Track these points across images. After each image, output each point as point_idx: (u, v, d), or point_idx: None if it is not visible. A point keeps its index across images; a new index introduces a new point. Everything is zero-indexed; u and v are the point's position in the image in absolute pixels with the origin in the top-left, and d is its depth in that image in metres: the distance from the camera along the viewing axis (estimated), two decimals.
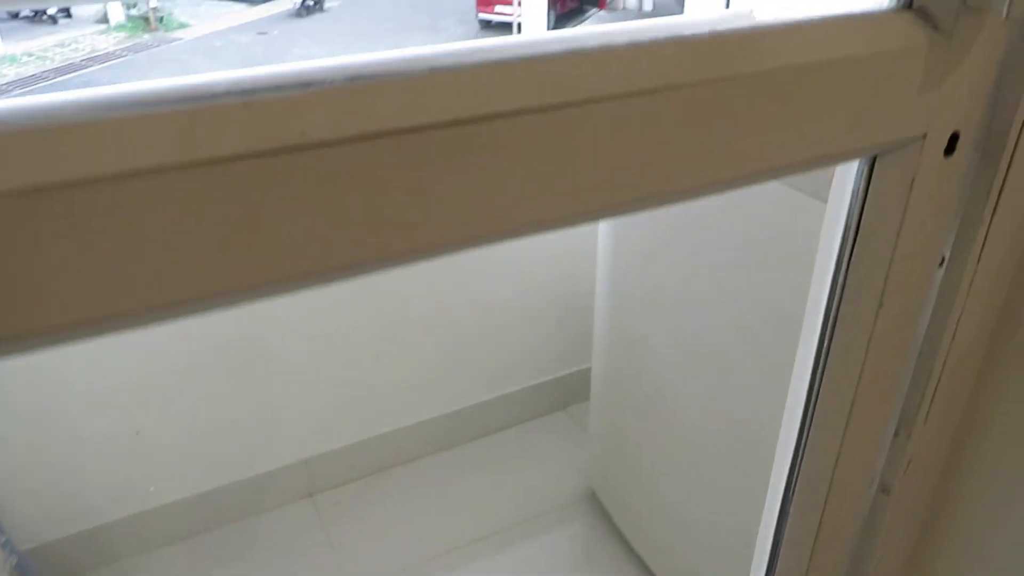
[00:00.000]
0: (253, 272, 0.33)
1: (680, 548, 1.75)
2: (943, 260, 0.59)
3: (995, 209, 0.56)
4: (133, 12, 14.34)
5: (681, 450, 1.68)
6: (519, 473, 2.18)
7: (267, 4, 14.77)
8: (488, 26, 13.36)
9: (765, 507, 0.75)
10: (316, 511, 2.06)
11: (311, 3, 14.56)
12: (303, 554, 1.94)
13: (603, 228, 1.81)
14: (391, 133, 0.33)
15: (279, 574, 1.89)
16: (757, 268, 1.39)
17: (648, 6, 14.49)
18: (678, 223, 1.56)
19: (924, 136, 0.50)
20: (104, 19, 13.89)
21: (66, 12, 13.91)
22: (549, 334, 2.28)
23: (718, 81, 0.41)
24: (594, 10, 14.29)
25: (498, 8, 13.01)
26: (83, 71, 11.71)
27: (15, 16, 13.36)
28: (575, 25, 13.41)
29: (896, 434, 0.65)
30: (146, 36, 13.43)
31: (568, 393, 2.36)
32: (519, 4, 11.75)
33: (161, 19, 13.86)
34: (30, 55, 12.31)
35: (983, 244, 0.58)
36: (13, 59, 12.08)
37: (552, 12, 12.64)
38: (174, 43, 13.01)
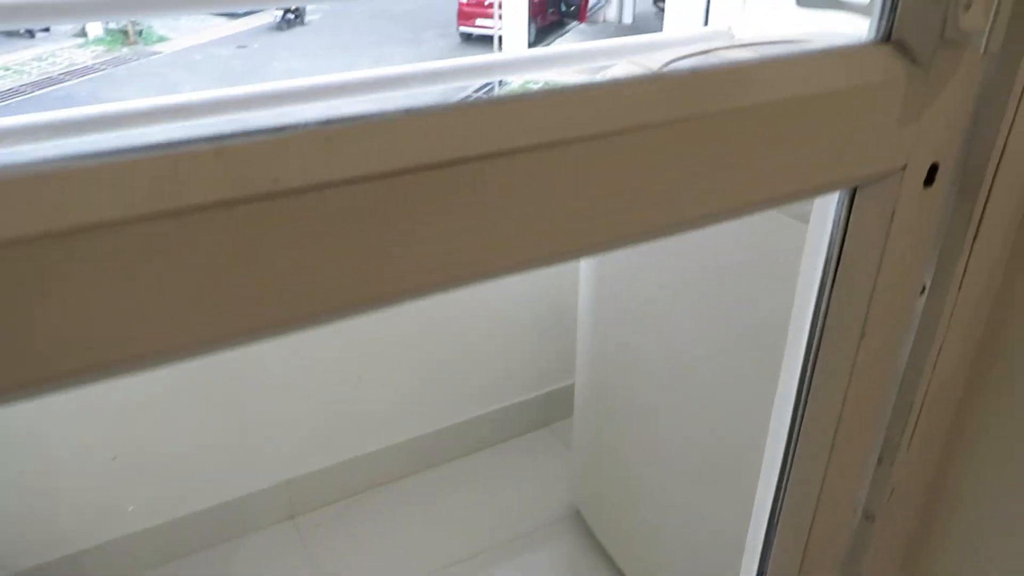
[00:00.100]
0: (227, 322, 0.32)
1: (665, 566, 1.74)
2: (924, 288, 0.59)
3: (975, 238, 0.56)
4: (112, 25, 14.25)
5: (665, 467, 1.68)
6: (503, 492, 2.17)
7: (247, 17, 14.73)
8: (469, 39, 13.40)
9: (749, 534, 0.74)
10: (298, 533, 2.03)
11: (292, 16, 14.53)
12: None
13: None
14: (367, 179, 0.33)
15: None
16: (739, 285, 1.39)
17: (628, 19, 14.59)
18: (661, 240, 1.56)
19: (904, 168, 0.50)
20: (82, 32, 13.79)
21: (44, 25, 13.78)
22: (531, 351, 2.27)
23: (698, 119, 0.40)
24: (575, 23, 14.37)
25: (479, 21, 13.05)
26: (61, 85, 11.61)
27: None
28: (556, 39, 13.48)
29: (879, 461, 0.65)
30: (125, 50, 13.35)
31: (551, 410, 2.35)
32: (500, 18, 11.80)
33: (140, 32, 13.78)
34: (7, 69, 12.19)
35: (964, 273, 0.58)
36: None
37: (533, 25, 12.70)
38: (153, 56, 12.93)
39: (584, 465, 2.01)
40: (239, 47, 13.37)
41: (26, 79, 11.82)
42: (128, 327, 0.30)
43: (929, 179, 0.52)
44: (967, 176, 0.54)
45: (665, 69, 1.36)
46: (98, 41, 13.59)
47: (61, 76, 12.00)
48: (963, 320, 0.60)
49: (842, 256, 0.54)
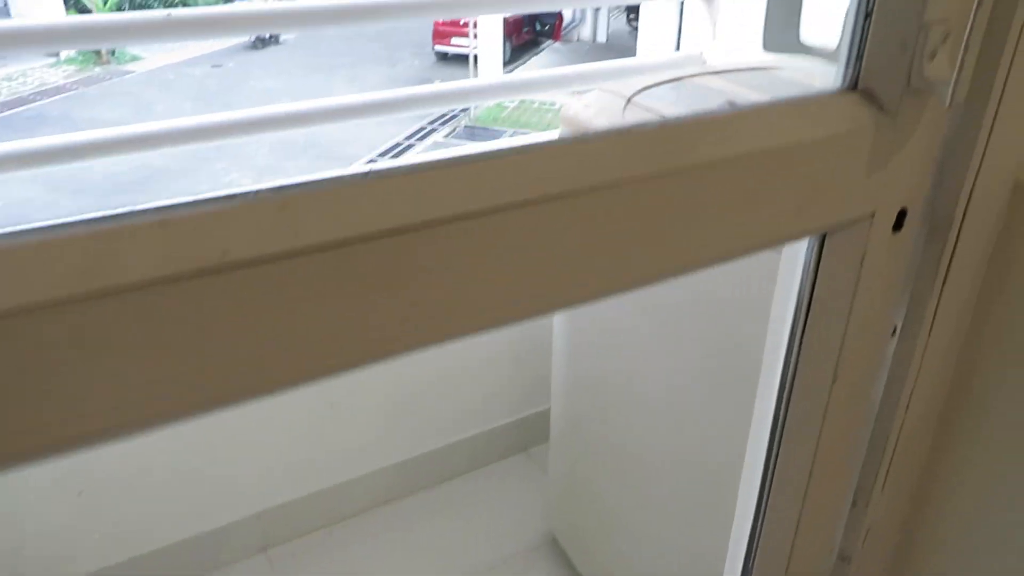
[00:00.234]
0: (173, 399, 0.31)
1: None
2: (895, 330, 0.59)
3: (945, 280, 0.56)
4: None
5: (642, 496, 1.66)
6: (479, 519, 2.14)
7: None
8: (444, 58, 13.43)
9: (725, 574, 0.73)
10: (271, 566, 1.99)
11: (266, 36, 14.49)
12: None
13: None
14: (324, 247, 0.32)
15: None
16: (714, 312, 1.39)
17: (602, 38, 14.71)
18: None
19: (873, 214, 0.50)
20: (54, 52, 13.64)
21: None
22: (507, 375, 2.26)
23: (665, 175, 0.40)
24: (549, 42, 14.46)
25: (454, 40, 13.09)
26: (32, 104, 11.46)
27: None
28: (530, 57, 13.56)
29: (854, 503, 0.65)
30: (97, 69, 13.22)
31: (528, 435, 2.33)
32: (475, 37, 11.84)
33: (112, 52, 13.66)
34: None
35: (935, 314, 0.57)
36: None
37: (508, 44, 12.77)
38: (126, 76, 12.82)
39: (560, 492, 2.00)
40: (213, 66, 13.30)
41: None
42: (66, 409, 0.29)
43: (898, 224, 0.52)
44: (936, 219, 0.54)
45: (637, 97, 1.36)
46: (70, 61, 13.45)
47: (32, 96, 11.85)
48: (934, 361, 0.60)
49: (812, 301, 0.54)
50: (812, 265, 0.53)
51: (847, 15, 0.47)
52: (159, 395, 0.30)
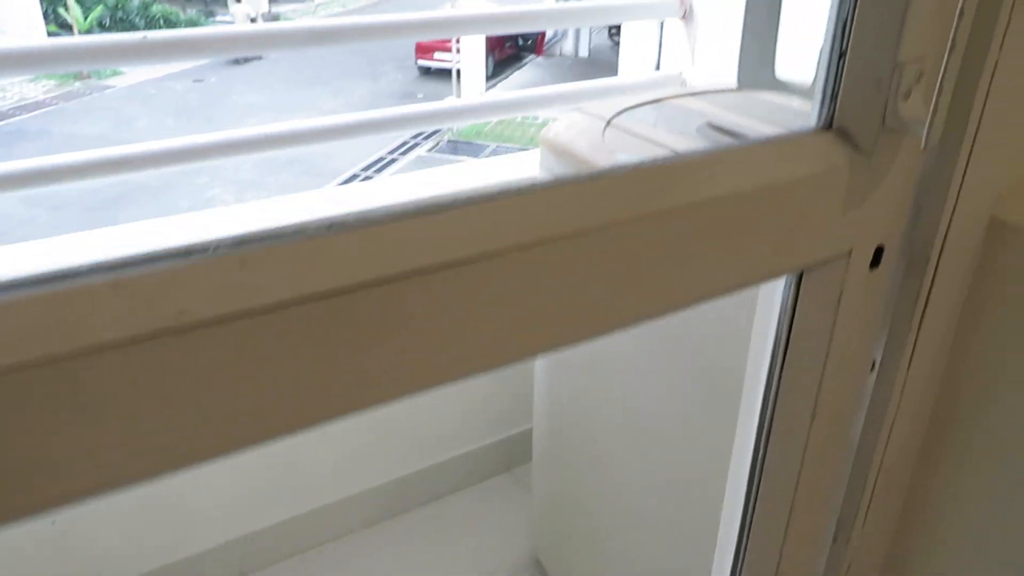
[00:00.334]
0: (131, 463, 0.30)
1: None
2: (874, 365, 0.58)
3: (923, 315, 0.56)
4: None
5: (625, 516, 1.65)
6: (462, 541, 2.12)
7: None
8: (427, 73, 13.45)
9: None
10: None
11: None
12: None
13: None
14: (286, 304, 0.31)
15: None
16: (696, 331, 1.39)
17: (584, 52, 14.79)
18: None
19: (850, 252, 0.50)
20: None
21: None
22: (489, 395, 2.24)
23: (642, 219, 0.39)
24: (531, 56, 14.52)
25: (437, 55, 13.12)
26: (11, 120, 11.36)
27: None
28: (513, 72, 13.61)
29: (835, 538, 0.64)
30: (77, 84, 13.12)
31: (512, 455, 2.32)
32: (458, 51, 11.87)
33: None
34: None
35: (914, 348, 0.57)
36: None
37: (490, 59, 12.80)
38: (107, 91, 12.73)
39: (543, 513, 1.98)
40: (195, 81, 13.24)
41: None
42: (24, 475, 0.27)
43: (875, 261, 0.52)
44: (913, 255, 0.53)
45: (617, 119, 1.36)
46: (49, 75, 13.34)
47: (11, 111, 11.75)
48: (914, 395, 0.59)
49: (791, 339, 0.53)
50: (790, 303, 0.52)
51: (821, 53, 0.46)
52: (117, 458, 0.29)
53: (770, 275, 0.47)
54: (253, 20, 14.74)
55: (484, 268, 0.35)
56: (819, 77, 0.47)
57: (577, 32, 14.73)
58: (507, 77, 13.55)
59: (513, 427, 2.31)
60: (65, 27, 14.65)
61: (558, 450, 1.87)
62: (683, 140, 1.25)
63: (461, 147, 10.08)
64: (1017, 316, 0.56)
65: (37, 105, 12.01)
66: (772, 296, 0.54)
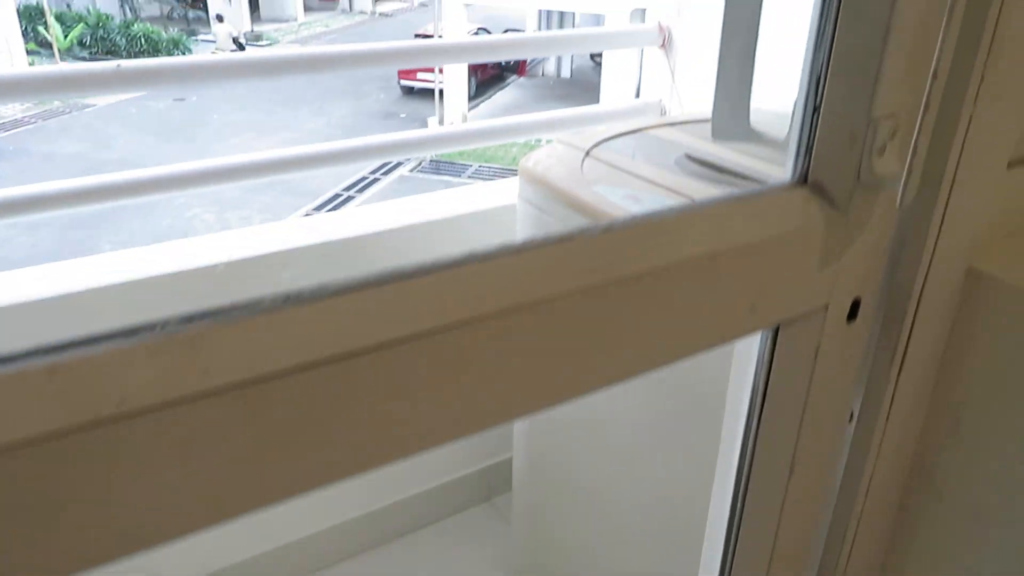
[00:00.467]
0: (69, 555, 0.28)
1: None
2: (853, 415, 0.57)
3: (902, 365, 0.55)
4: None
5: (606, 542, 1.63)
6: (441, 573, 2.09)
7: None
8: (410, 92, 13.48)
9: None
10: None
11: None
12: None
13: None
14: (238, 387, 0.29)
15: None
16: None
17: (566, 73, 14.89)
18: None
19: (826, 306, 0.49)
20: None
21: None
22: None
23: (613, 284, 0.38)
24: (514, 77, 14.59)
25: (420, 75, 13.14)
26: None
27: None
28: (496, 92, 13.67)
29: None
30: (56, 102, 13.02)
31: (491, 484, 2.29)
32: (440, 72, 11.91)
33: None
34: None
35: (892, 399, 0.56)
36: None
37: (473, 80, 12.85)
38: (87, 109, 12.64)
39: (523, 543, 1.96)
40: (176, 100, 13.19)
41: None
42: None
43: (852, 314, 0.51)
44: (891, 306, 0.53)
45: (596, 150, 1.35)
46: None
47: None
48: (893, 446, 0.58)
49: (768, 392, 0.52)
50: (766, 356, 0.51)
51: (795, 107, 0.46)
52: (54, 553, 0.28)
53: (746, 332, 0.46)
54: (235, 39, 14.74)
55: (450, 339, 0.34)
56: (793, 131, 0.46)
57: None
58: (490, 97, 13.61)
59: (492, 456, 2.28)
60: (45, 45, 14.56)
61: (538, 479, 1.85)
62: (661, 172, 1.25)
63: (443, 167, 10.09)
64: (995, 365, 0.55)
65: (15, 124, 11.90)
66: (748, 350, 0.53)
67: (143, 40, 15.32)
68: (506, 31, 14.64)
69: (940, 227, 0.50)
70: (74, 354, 0.27)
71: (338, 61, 1.52)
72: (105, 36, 15.52)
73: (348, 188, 9.41)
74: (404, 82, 13.61)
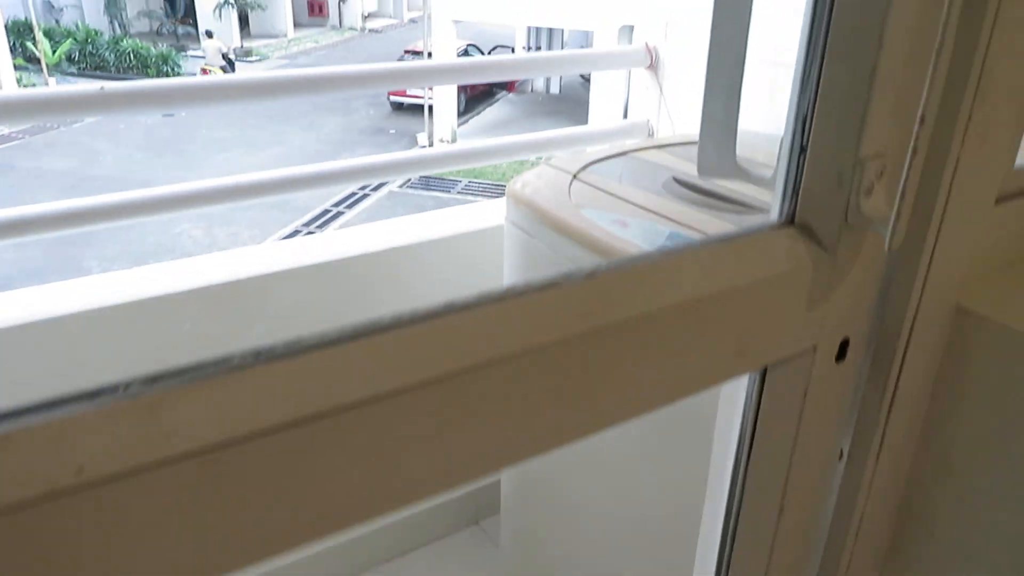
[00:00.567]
0: None
1: None
2: (842, 453, 0.56)
3: (892, 403, 0.54)
4: None
5: (595, 565, 1.62)
6: None
7: None
8: (400, 108, 13.49)
9: None
10: None
11: None
12: None
13: None
14: (204, 451, 0.28)
15: None
16: None
17: (555, 89, 14.94)
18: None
19: (815, 347, 0.48)
20: None
21: None
22: None
23: (598, 332, 0.37)
24: (503, 93, 14.63)
25: (409, 91, 13.16)
26: None
27: None
28: (485, 107, 13.71)
29: None
30: None
31: (479, 507, 2.27)
32: (430, 88, 11.93)
33: None
34: None
35: (882, 437, 0.55)
36: None
37: (462, 95, 12.88)
38: (74, 125, 12.59)
39: (512, 567, 1.94)
40: (165, 115, 13.16)
41: None
42: None
43: (841, 353, 0.50)
44: (880, 345, 0.52)
45: (583, 173, 1.35)
46: None
47: None
48: (884, 483, 0.58)
49: (756, 432, 0.51)
50: (754, 397, 0.50)
51: (781, 147, 0.45)
52: None
53: (733, 375, 0.46)
54: (225, 55, 14.74)
55: (431, 394, 0.33)
56: (780, 171, 0.45)
57: None
58: (479, 113, 13.64)
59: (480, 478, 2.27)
60: (33, 61, 14.51)
61: (527, 502, 1.83)
62: (649, 196, 1.24)
63: (433, 183, 10.09)
64: (985, 403, 0.54)
65: (2, 139, 11.84)
66: (736, 389, 0.52)
67: (132, 56, 15.29)
68: (495, 47, 14.70)
69: (929, 265, 0.49)
70: (28, 421, 0.25)
71: (325, 83, 1.51)
72: (94, 52, 15.49)
73: (337, 204, 9.39)
74: (394, 98, 13.64)
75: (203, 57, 15.05)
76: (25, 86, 13.88)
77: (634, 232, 1.12)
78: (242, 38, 18.05)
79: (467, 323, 0.34)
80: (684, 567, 0.67)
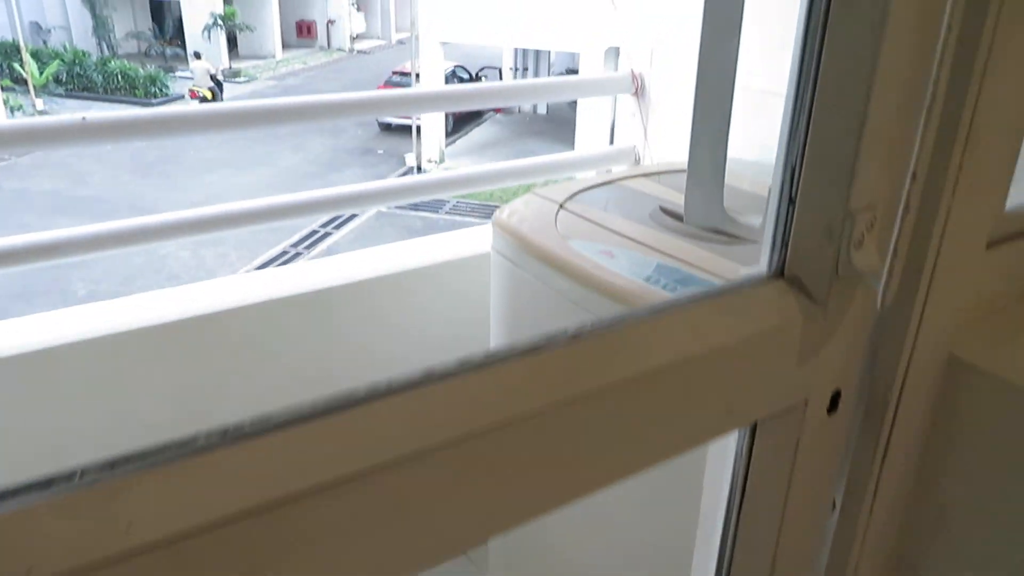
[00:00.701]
0: None
1: None
2: (835, 505, 0.55)
3: (885, 454, 0.53)
4: (18, 114, 13.82)
5: None
6: None
7: (164, 105, 14.46)
8: (388, 128, 13.51)
9: None
10: None
11: (209, 102, 14.34)
12: None
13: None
14: (166, 542, 0.26)
15: None
16: None
17: (542, 110, 15.01)
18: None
19: (806, 401, 0.47)
20: None
21: None
22: None
23: (584, 397, 0.35)
24: (491, 113, 14.68)
25: None
26: None
27: None
28: (473, 128, 13.75)
29: None
30: None
31: None
32: None
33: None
34: None
35: (876, 488, 0.54)
36: None
37: (450, 116, 12.91)
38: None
39: None
40: None
41: None
42: None
43: (832, 406, 0.49)
44: (872, 396, 0.51)
45: (569, 203, 1.34)
46: None
47: None
48: (877, 535, 0.56)
49: (747, 486, 0.50)
50: (744, 452, 0.49)
51: (770, 198, 0.44)
52: None
53: (722, 433, 0.44)
54: (213, 76, 14.73)
55: (409, 470, 0.31)
56: (768, 222, 0.44)
57: None
58: (467, 133, 13.68)
59: None
60: (20, 82, 14.46)
61: (515, 531, 1.81)
62: (636, 226, 1.23)
63: (421, 202, 10.09)
64: (978, 454, 0.53)
65: None
66: (725, 444, 0.51)
67: (120, 77, 15.27)
68: (482, 68, 14.76)
69: (921, 315, 0.48)
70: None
71: (313, 112, 1.50)
72: (82, 73, 15.46)
73: (325, 225, 9.37)
74: (381, 118, 13.64)
75: (191, 78, 15.05)
76: (12, 107, 13.82)
77: (620, 264, 1.11)
78: (231, 59, 18.07)
79: (447, 394, 0.33)
80: None
